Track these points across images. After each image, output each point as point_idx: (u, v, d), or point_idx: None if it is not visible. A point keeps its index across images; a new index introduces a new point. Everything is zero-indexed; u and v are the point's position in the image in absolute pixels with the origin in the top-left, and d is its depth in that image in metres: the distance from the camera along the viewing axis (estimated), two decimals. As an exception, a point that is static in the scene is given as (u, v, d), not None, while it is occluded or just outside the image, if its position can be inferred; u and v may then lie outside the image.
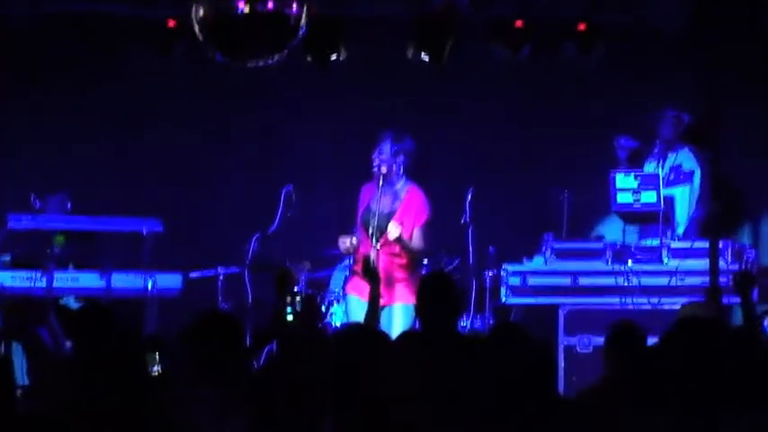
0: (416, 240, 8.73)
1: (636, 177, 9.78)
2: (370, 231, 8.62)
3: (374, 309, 7.24)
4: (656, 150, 10.29)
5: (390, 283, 8.61)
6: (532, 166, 11.14)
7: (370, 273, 7.51)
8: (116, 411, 4.74)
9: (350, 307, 8.86)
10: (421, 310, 6.23)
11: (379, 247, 8.61)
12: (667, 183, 10.00)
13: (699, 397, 4.45)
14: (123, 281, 9.91)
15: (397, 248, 8.68)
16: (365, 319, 7.18)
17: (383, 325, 8.17)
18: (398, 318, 8.61)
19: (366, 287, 7.52)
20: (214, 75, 10.72)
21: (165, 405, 4.96)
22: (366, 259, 7.94)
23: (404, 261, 8.75)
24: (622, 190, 9.77)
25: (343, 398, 4.74)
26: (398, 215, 8.71)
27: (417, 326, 7.82)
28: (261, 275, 9.92)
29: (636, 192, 9.71)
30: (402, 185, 8.80)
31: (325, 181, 11.24)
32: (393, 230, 8.57)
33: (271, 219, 10.00)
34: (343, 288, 9.32)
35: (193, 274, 10.26)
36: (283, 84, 11.05)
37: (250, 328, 9.12)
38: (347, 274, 9.36)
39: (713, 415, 4.40)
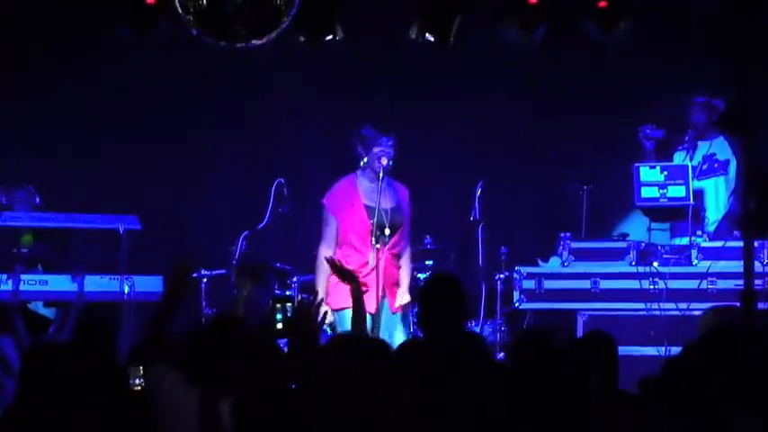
0: (408, 242, 8.69)
1: (662, 170, 9.49)
2: (384, 230, 8.40)
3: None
4: (687, 140, 10.05)
5: (396, 285, 8.57)
6: (548, 158, 10.98)
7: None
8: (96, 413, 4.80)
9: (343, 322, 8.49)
10: (423, 312, 6.05)
11: (379, 246, 8.38)
12: (700, 173, 9.79)
13: (717, 402, 4.34)
14: (97, 284, 9.57)
15: (397, 249, 8.58)
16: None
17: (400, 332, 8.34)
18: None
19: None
20: (199, 60, 10.66)
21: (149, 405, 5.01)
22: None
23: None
24: (647, 184, 9.49)
25: (337, 403, 4.51)
26: (405, 214, 8.59)
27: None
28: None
29: (662, 185, 9.47)
30: (387, 182, 8.57)
31: (320, 176, 10.89)
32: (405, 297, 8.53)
33: (260, 216, 9.81)
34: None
35: (174, 277, 9.83)
36: (274, 70, 10.93)
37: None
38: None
39: (728, 419, 4.31)
